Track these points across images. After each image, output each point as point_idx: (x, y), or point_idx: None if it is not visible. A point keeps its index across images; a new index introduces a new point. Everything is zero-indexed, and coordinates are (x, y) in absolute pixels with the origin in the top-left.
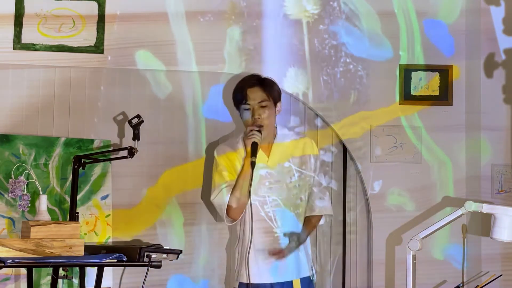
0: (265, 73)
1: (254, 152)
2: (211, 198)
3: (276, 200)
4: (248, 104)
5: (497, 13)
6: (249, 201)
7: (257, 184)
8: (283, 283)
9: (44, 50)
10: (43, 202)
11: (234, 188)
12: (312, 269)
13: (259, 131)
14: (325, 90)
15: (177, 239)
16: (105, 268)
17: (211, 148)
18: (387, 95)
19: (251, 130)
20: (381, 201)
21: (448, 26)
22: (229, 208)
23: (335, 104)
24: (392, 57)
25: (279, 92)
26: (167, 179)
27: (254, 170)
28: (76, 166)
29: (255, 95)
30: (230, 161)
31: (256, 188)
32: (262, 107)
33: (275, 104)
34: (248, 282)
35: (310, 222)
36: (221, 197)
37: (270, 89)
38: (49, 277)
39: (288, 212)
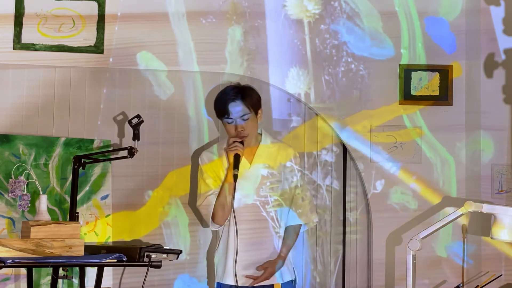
0: (266, 73)
1: (236, 165)
2: (197, 204)
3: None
4: (231, 118)
5: (497, 13)
6: (233, 210)
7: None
8: (264, 286)
9: (44, 50)
10: (43, 202)
11: (219, 196)
12: (294, 272)
13: (241, 142)
14: (327, 90)
15: (182, 239)
16: (105, 268)
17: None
18: (389, 94)
19: (234, 142)
20: (383, 200)
21: (450, 24)
22: (214, 215)
23: (337, 104)
24: (394, 55)
25: (258, 99)
26: (170, 180)
27: (244, 173)
28: (76, 166)
29: (237, 109)
30: (214, 169)
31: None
32: (244, 119)
33: (256, 113)
34: (235, 284)
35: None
36: (207, 204)
37: (250, 99)
38: (49, 277)
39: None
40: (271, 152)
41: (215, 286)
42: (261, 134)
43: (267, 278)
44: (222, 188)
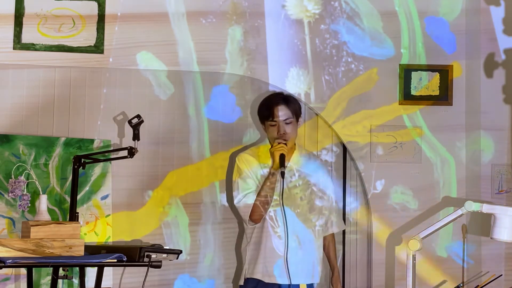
0: (266, 73)
1: (282, 163)
2: (235, 202)
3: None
4: (274, 121)
5: (497, 13)
6: (282, 206)
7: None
8: (290, 285)
9: (44, 50)
10: (43, 202)
11: (259, 195)
12: (317, 277)
13: (285, 144)
14: (327, 90)
15: (182, 239)
16: (105, 268)
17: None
18: (389, 94)
19: (279, 143)
20: (383, 200)
21: (450, 24)
22: (252, 212)
23: (336, 104)
24: (394, 55)
25: (300, 107)
26: (170, 180)
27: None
28: (76, 166)
29: (281, 113)
30: (253, 170)
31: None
32: (287, 123)
33: (297, 120)
34: (262, 279)
35: (326, 240)
36: (246, 202)
37: (293, 106)
38: (49, 277)
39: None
40: (301, 165)
41: (242, 282)
42: (295, 144)
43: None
44: (262, 187)
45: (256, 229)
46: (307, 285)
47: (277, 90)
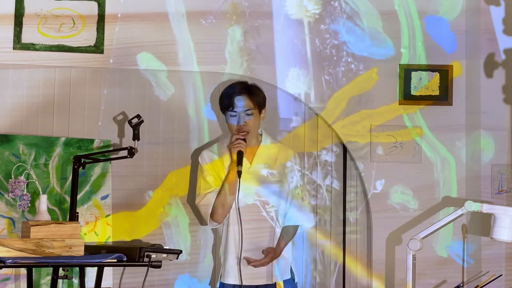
0: (267, 73)
1: (239, 161)
2: (196, 202)
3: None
4: (235, 111)
5: (497, 13)
6: (237, 207)
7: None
8: (266, 285)
9: (44, 50)
10: (43, 202)
11: (219, 194)
12: (292, 271)
13: (244, 140)
14: (327, 90)
15: (182, 239)
16: (105, 268)
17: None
18: (389, 94)
19: (237, 139)
20: (383, 200)
21: (450, 23)
22: (213, 212)
23: (336, 104)
24: (394, 55)
25: (264, 99)
26: (170, 180)
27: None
28: (76, 166)
29: (242, 103)
30: (214, 168)
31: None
32: (248, 114)
33: (260, 111)
34: (240, 284)
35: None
36: (206, 202)
37: (256, 97)
38: (49, 277)
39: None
40: (271, 153)
41: (218, 285)
42: (261, 135)
43: (266, 263)
44: (222, 186)
45: (223, 231)
46: (284, 281)
47: (243, 80)
